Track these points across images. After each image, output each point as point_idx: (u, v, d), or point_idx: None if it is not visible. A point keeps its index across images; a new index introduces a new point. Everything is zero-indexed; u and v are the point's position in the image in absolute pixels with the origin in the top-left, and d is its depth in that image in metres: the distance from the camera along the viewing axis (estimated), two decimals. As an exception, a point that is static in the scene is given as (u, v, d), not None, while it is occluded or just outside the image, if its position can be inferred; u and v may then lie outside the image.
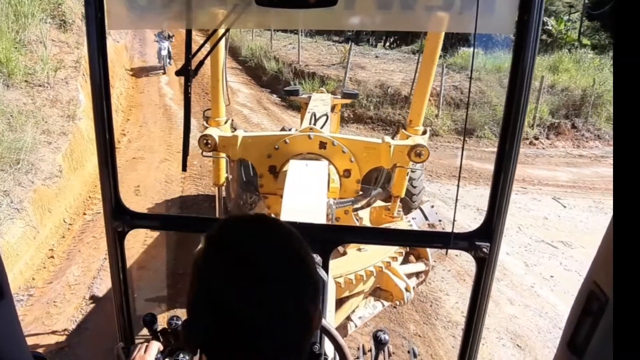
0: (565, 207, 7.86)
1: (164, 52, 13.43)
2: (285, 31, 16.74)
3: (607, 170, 10.02)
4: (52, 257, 5.23)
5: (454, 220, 1.53)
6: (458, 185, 7.56)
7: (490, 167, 1.32)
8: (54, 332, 4.07)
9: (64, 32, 8.94)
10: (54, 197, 5.75)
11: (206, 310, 0.64)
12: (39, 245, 5.20)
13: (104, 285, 4.66)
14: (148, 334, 1.46)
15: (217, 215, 4.03)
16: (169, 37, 13.66)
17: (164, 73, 13.53)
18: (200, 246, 0.69)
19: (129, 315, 1.53)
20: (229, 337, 0.64)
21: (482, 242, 1.37)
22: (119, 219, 1.44)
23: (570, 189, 8.82)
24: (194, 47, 1.52)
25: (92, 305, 4.44)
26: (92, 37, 1.27)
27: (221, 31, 1.89)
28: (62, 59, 8.11)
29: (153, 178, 7.35)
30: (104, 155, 1.37)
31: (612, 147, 10.54)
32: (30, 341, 3.89)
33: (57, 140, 6.44)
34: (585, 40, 18.42)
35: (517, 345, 4.34)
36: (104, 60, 1.31)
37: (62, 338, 4.02)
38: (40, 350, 3.79)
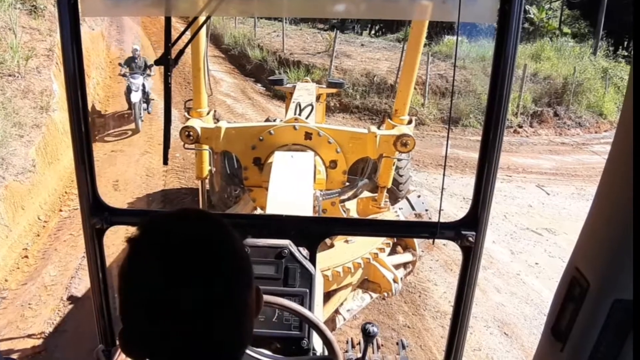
0: (548, 194, 8.07)
1: (136, 96, 8.37)
2: (269, 18, 16.51)
3: (588, 158, 10.31)
4: (26, 257, 5.07)
5: (440, 210, 1.55)
6: (444, 175, 7.66)
7: (476, 155, 1.36)
8: (29, 336, 3.97)
9: (35, 19, 8.62)
10: (27, 193, 5.57)
11: (141, 313, 0.64)
12: (12, 244, 5.04)
13: (82, 285, 4.56)
14: None
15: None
16: (146, 67, 8.83)
17: (137, 131, 8.62)
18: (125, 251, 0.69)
19: (109, 316, 1.50)
20: (166, 334, 0.64)
21: (468, 232, 1.39)
22: (97, 215, 1.40)
23: (553, 177, 9.04)
24: (174, 35, 1.48)
25: (70, 307, 4.34)
26: (65, 24, 1.23)
27: (202, 18, 1.84)
28: (34, 47, 7.83)
29: (133, 172, 7.21)
30: (80, 149, 1.33)
31: (592, 135, 10.92)
32: (3, 346, 3.79)
33: (30, 133, 6.24)
34: (565, 29, 18.78)
35: (505, 333, 4.46)
36: (78, 49, 1.26)
37: (39, 342, 3.91)
38: (14, 355, 3.71)
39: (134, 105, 8.42)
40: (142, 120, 8.79)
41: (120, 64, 8.97)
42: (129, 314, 0.67)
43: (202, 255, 0.65)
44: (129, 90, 8.56)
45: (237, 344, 0.70)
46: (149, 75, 8.98)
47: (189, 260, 0.64)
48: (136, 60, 8.85)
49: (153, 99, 9.38)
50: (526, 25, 17.31)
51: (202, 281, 0.63)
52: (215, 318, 0.64)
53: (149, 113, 9.29)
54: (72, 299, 4.45)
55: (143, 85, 8.73)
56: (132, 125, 8.79)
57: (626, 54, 15.99)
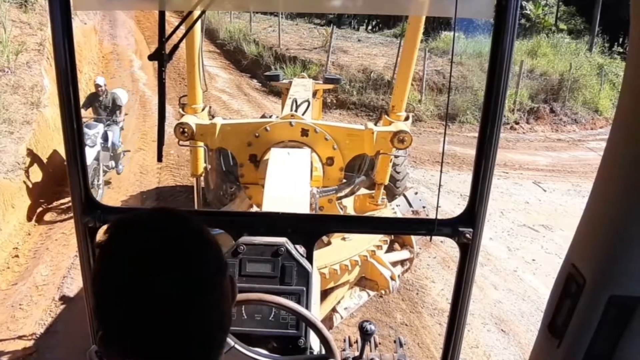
0: (545, 190, 8.12)
1: (91, 154, 5.74)
2: (265, 13, 16.41)
3: (584, 154, 10.39)
4: (17, 256, 5.03)
5: (437, 207, 1.55)
6: (441, 172, 7.68)
7: (473, 152, 1.37)
8: (20, 337, 3.93)
9: (25, 12, 8.53)
10: (17, 191, 5.52)
11: (119, 312, 0.65)
12: (2, 244, 5.00)
13: (75, 284, 4.52)
14: None
15: (195, 206, 3.97)
16: (115, 109, 6.49)
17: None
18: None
19: None
20: (146, 327, 0.64)
21: (465, 228, 1.40)
22: (90, 214, 1.39)
23: (549, 173, 9.11)
24: (168, 30, 1.47)
25: (62, 307, 4.30)
26: (57, 18, 1.21)
27: (197, 13, 1.83)
28: (24, 41, 7.75)
29: (126, 169, 7.15)
30: (71, 146, 1.32)
31: (588, 131, 11.00)
32: (-7, 348, 3.76)
33: (20, 130, 6.18)
34: (561, 25, 18.87)
35: (502, 330, 4.49)
36: (69, 43, 1.25)
37: (30, 343, 3.89)
38: (4, 357, 3.68)
39: (97, 169, 5.91)
40: (104, 184, 6.24)
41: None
42: (106, 315, 0.67)
43: (174, 244, 0.67)
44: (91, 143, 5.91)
45: (218, 329, 0.71)
46: (115, 122, 6.38)
47: (162, 250, 0.65)
48: (100, 99, 6.38)
49: (127, 151, 6.95)
50: (522, 21, 17.37)
51: (177, 268, 0.65)
52: (194, 302, 0.66)
53: (118, 173, 6.59)
54: (64, 299, 4.41)
55: (105, 136, 6.11)
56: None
57: (621, 50, 16.06)
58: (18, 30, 7.93)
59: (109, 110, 6.47)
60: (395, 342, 1.78)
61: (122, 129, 6.78)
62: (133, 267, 0.64)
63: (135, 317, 0.64)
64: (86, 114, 6.28)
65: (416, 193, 4.81)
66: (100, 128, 6.05)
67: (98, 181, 5.88)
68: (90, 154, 5.64)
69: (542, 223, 6.79)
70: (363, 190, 4.16)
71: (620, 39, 16.90)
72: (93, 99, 6.43)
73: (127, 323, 0.65)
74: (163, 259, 0.65)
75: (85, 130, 5.49)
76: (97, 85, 6.44)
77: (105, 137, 6.12)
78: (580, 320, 0.75)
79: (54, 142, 6.70)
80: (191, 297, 0.65)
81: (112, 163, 6.36)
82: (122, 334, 0.66)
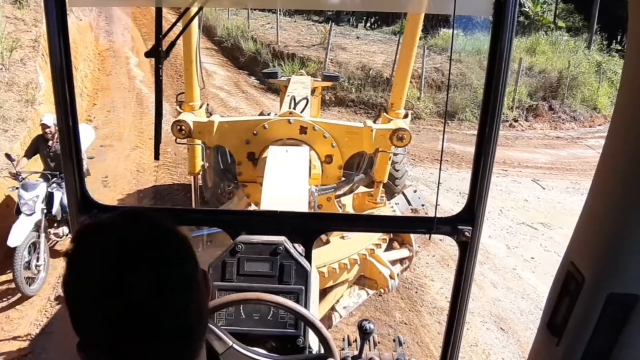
0: (544, 188, 8.14)
1: (24, 228, 4.32)
2: (263, 10, 16.36)
3: (582, 152, 10.43)
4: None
5: (436, 205, 1.55)
6: (440, 170, 7.68)
7: (472, 149, 1.38)
8: (15, 338, 3.92)
9: (19, 8, 8.48)
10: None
11: (95, 313, 0.65)
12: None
13: (71, 285, 4.51)
14: None
15: (193, 205, 3.97)
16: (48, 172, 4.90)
17: (25, 296, 4.36)
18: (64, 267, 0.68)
19: None
20: (123, 327, 0.64)
21: (465, 226, 1.40)
22: (86, 212, 1.39)
23: (548, 171, 9.14)
24: (165, 27, 1.46)
25: (58, 307, 4.27)
26: (52, 14, 1.20)
27: (194, 9, 1.82)
28: (18, 37, 7.70)
29: (123, 167, 7.14)
30: (67, 144, 1.31)
31: (587, 129, 11.04)
32: (-13, 349, 3.74)
33: (15, 128, 6.15)
34: (560, 23, 18.91)
35: (501, 328, 4.51)
36: (65, 40, 1.24)
37: (25, 344, 3.87)
38: None
39: (15, 254, 4.16)
40: (30, 288, 4.35)
41: (9, 157, 4.79)
42: (81, 321, 0.66)
43: (143, 243, 0.66)
44: (17, 211, 4.47)
45: (196, 323, 0.72)
46: (47, 187, 4.66)
47: (130, 250, 0.65)
48: (49, 145, 4.92)
49: None
50: (521, 18, 17.39)
51: (147, 266, 0.65)
52: (167, 299, 0.65)
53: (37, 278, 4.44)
54: (59, 299, 4.38)
55: (49, 199, 4.61)
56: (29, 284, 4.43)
57: (620, 48, 16.11)
58: (12, 27, 7.88)
59: (59, 159, 4.53)
60: (394, 341, 1.79)
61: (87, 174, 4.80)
62: (102, 270, 0.63)
63: (108, 320, 0.64)
64: (31, 164, 4.95)
65: (415, 191, 4.81)
66: (41, 189, 4.52)
67: (38, 261, 4.36)
68: (25, 225, 4.31)
69: (541, 221, 6.81)
70: (362, 189, 4.16)
71: (619, 37, 16.96)
72: (40, 145, 4.93)
73: (101, 327, 0.64)
74: (132, 259, 0.64)
75: (21, 192, 4.43)
76: (43, 126, 4.87)
77: (49, 201, 4.60)
78: (579, 318, 0.75)
79: (49, 140, 6.68)
80: (164, 294, 0.65)
81: (64, 230, 4.84)
82: (98, 339, 0.66)
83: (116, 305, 0.63)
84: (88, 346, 0.67)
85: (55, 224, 4.82)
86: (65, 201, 4.41)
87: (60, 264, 4.06)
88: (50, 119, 4.90)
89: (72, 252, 0.66)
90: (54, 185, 4.71)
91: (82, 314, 0.66)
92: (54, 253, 4.84)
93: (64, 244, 4.57)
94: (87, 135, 5.33)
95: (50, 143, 4.95)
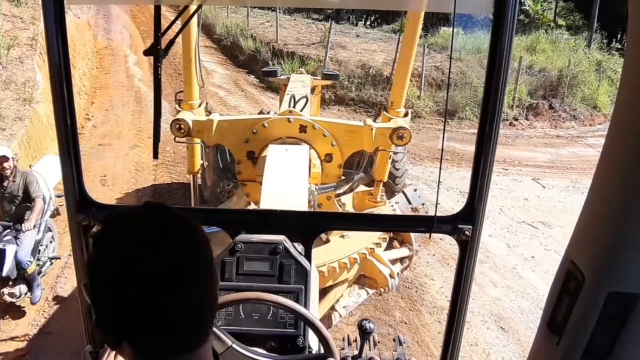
0: (544, 187, 8.15)
1: None
2: (262, 8, 16.34)
3: (582, 150, 10.45)
4: None
5: (436, 204, 1.55)
6: (440, 168, 7.68)
7: (472, 148, 1.39)
8: (12, 339, 3.90)
9: (17, 6, 8.46)
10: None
11: (113, 291, 0.69)
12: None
13: (69, 284, 4.48)
14: None
15: (192, 204, 3.96)
16: (25, 201, 4.21)
17: None
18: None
19: None
20: (139, 305, 0.69)
21: (465, 225, 1.41)
22: (84, 211, 1.38)
23: (548, 170, 9.15)
24: (164, 25, 1.45)
25: (55, 307, 4.26)
26: (49, 12, 1.20)
27: (193, 7, 1.81)
28: (16, 35, 7.68)
29: (121, 166, 7.13)
30: (65, 142, 1.31)
31: (587, 128, 11.05)
32: (-15, 350, 3.71)
33: (12, 126, 6.13)
34: (560, 21, 18.93)
35: (501, 327, 4.51)
36: (63, 38, 1.23)
37: (22, 344, 3.85)
38: None
39: None
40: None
41: None
42: (101, 296, 0.71)
43: (165, 228, 0.73)
44: None
45: (208, 307, 0.76)
46: (20, 229, 4.03)
47: (153, 233, 0.71)
48: (5, 185, 4.14)
49: (56, 258, 4.67)
50: (521, 17, 17.40)
51: (169, 247, 0.70)
52: (183, 277, 0.70)
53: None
54: (57, 299, 4.37)
55: (0, 255, 3.85)
56: None
57: (619, 46, 16.12)
58: (10, 25, 7.86)
59: (17, 203, 4.14)
60: (394, 340, 1.79)
61: (46, 234, 4.33)
62: (126, 248, 0.69)
63: (127, 294, 0.68)
64: None
65: (415, 190, 4.82)
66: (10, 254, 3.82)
67: None
68: None
69: (541, 220, 6.81)
70: (362, 187, 4.16)
71: (619, 35, 16.96)
72: None
73: (120, 300, 0.69)
74: (154, 240, 0.70)
75: None
76: (2, 157, 4.02)
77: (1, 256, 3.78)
78: (579, 317, 0.75)
79: (47, 138, 6.66)
80: (181, 272, 0.70)
81: (19, 289, 4.02)
82: (115, 313, 0.70)
83: (131, 282, 0.68)
84: (103, 321, 0.72)
85: (11, 283, 3.96)
86: (21, 256, 3.93)
87: (20, 330, 3.93)
88: (8, 151, 4.11)
89: (98, 235, 0.74)
90: (8, 238, 3.89)
91: (100, 289, 0.71)
92: (13, 313, 4.17)
93: (25, 302, 4.14)
94: (46, 176, 4.44)
95: (6, 183, 4.08)
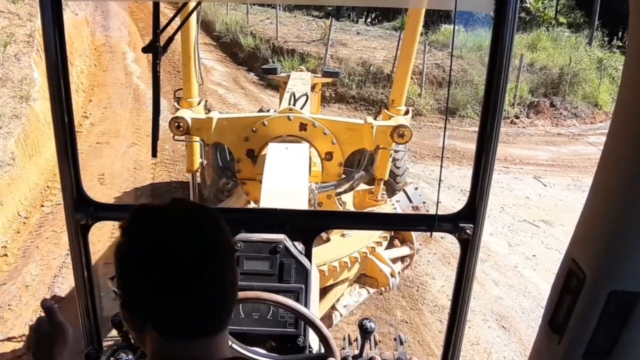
0: (545, 185, 8.16)
1: None
2: (262, 5, 16.32)
3: (583, 148, 10.46)
4: (6, 255, 4.93)
5: (437, 202, 1.56)
6: (441, 167, 7.68)
7: (473, 146, 1.39)
8: (9, 339, 3.87)
9: (14, 2, 8.43)
10: (6, 188, 5.43)
11: (140, 275, 0.75)
12: (-10, 242, 4.93)
13: (66, 284, 4.46)
14: (117, 336, 1.42)
15: (191, 202, 3.95)
16: None
17: None
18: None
19: (95, 317, 1.48)
20: (166, 289, 0.74)
21: (466, 224, 1.41)
22: (82, 210, 1.38)
23: (550, 168, 9.15)
24: (163, 22, 1.45)
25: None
26: (47, 9, 1.20)
27: (192, 4, 1.81)
28: (13, 32, 7.65)
29: (120, 165, 7.11)
30: (63, 141, 1.31)
31: (588, 126, 11.07)
32: (-19, 351, 3.70)
33: (9, 124, 6.10)
34: (561, 19, 18.93)
35: (503, 326, 4.52)
36: (60, 35, 1.23)
37: (19, 345, 3.81)
38: None
39: None
40: None
41: None
42: (128, 279, 0.77)
43: (192, 216, 0.80)
44: None
45: (230, 292, 0.81)
46: None
47: (181, 221, 0.78)
48: None
49: None
50: (522, 14, 17.39)
51: (195, 233, 0.76)
52: (208, 261, 0.75)
53: None
54: (55, 299, 4.32)
55: None
56: None
57: (621, 44, 16.11)
58: (6, 22, 7.83)
59: None
60: (395, 340, 1.79)
61: None
62: (157, 233, 0.75)
63: (157, 277, 0.73)
64: None
65: (416, 188, 4.81)
66: None
67: None
68: None
69: (543, 218, 6.82)
70: (362, 186, 4.16)
71: (620, 33, 16.94)
72: None
73: (150, 283, 0.74)
74: (183, 226, 0.76)
75: None
76: None
77: None
78: (580, 315, 0.75)
79: (44, 137, 6.65)
80: (207, 255, 0.75)
81: None
82: (144, 296, 0.75)
83: (159, 264, 0.73)
84: (130, 304, 0.77)
85: None
86: None
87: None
88: None
89: (129, 223, 0.79)
90: None
91: (128, 272, 0.77)
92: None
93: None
94: None
95: None
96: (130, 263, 0.76)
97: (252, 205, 3.37)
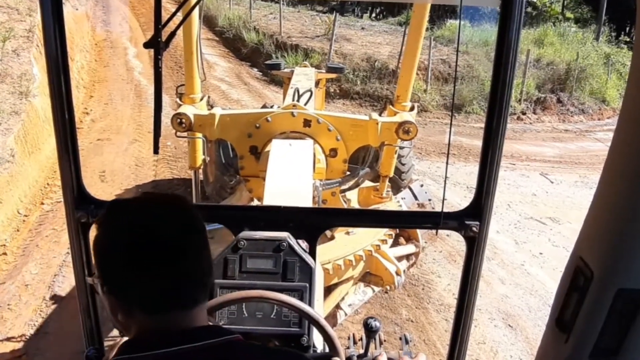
0: (552, 182, 8.13)
1: None
2: (265, 0, 16.30)
3: (591, 145, 10.41)
4: (5, 253, 4.91)
5: (443, 199, 1.55)
6: (447, 163, 7.66)
7: (479, 143, 1.39)
8: (8, 339, 3.85)
9: (13, -3, 8.44)
10: (5, 185, 5.41)
11: (124, 259, 0.82)
12: (-12, 241, 4.91)
13: (66, 283, 4.45)
14: (118, 335, 1.42)
15: (194, 200, 3.96)
16: None
17: None
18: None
19: (95, 315, 1.49)
20: (148, 270, 0.82)
21: (472, 221, 1.41)
22: (82, 208, 1.38)
23: (557, 164, 9.12)
24: (165, 16, 1.44)
25: (53, 307, 4.21)
26: (46, 3, 1.20)
27: (193, -2, 1.80)
28: (12, 27, 7.66)
29: (121, 162, 7.13)
30: (63, 137, 1.30)
31: (595, 122, 11.07)
32: (-20, 351, 3.69)
33: (8, 121, 6.11)
34: (568, 14, 18.82)
35: (509, 325, 4.51)
36: (60, 30, 1.23)
37: (19, 345, 3.80)
38: None
39: None
40: None
41: None
42: (111, 267, 0.84)
43: (169, 206, 0.88)
44: None
45: (207, 271, 0.91)
46: None
47: (158, 210, 0.86)
48: None
49: None
50: (529, 9, 17.30)
51: (174, 218, 0.85)
52: (189, 243, 0.85)
53: None
54: (55, 298, 4.32)
55: None
56: None
57: (628, 39, 15.99)
58: (5, 16, 7.83)
59: None
60: (401, 339, 1.78)
61: None
62: (135, 220, 0.83)
63: (139, 260, 0.81)
64: None
65: (422, 185, 4.79)
66: None
67: None
68: None
69: (550, 215, 6.79)
70: (367, 183, 4.14)
71: (627, 28, 16.81)
72: None
73: (132, 266, 0.81)
74: (160, 212, 0.85)
75: None
76: None
77: None
78: (588, 314, 0.75)
79: (44, 133, 6.66)
80: (186, 236, 0.84)
81: None
82: (127, 278, 0.82)
83: (141, 248, 0.81)
84: (113, 291, 0.84)
85: None
86: None
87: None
88: None
89: (107, 213, 0.86)
90: None
91: (111, 260, 0.83)
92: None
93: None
94: None
95: None
96: (114, 251, 0.82)
97: (255, 202, 3.37)
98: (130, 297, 0.83)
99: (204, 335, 0.84)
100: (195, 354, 0.81)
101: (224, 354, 0.84)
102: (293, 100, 3.36)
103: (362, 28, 15.04)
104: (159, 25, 1.38)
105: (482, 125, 1.36)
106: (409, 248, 3.93)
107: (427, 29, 3.66)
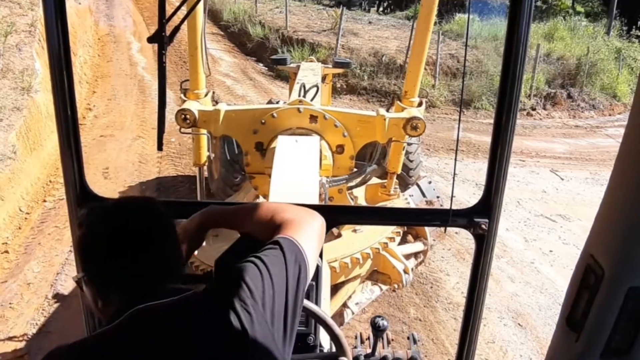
0: (562, 179, 8.08)
1: None
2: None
3: (602, 141, 10.33)
4: (7, 251, 4.93)
5: (452, 197, 1.54)
6: (455, 160, 7.62)
7: (488, 139, 1.39)
8: (10, 339, 3.87)
9: (15, -9, 8.48)
10: (7, 183, 5.44)
11: (99, 252, 0.98)
12: (-9, 238, 4.92)
13: (69, 281, 4.46)
14: None
15: (198, 198, 3.97)
16: None
17: None
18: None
19: None
20: (125, 254, 0.98)
21: (481, 219, 1.41)
22: (85, 205, 1.38)
23: (567, 161, 9.07)
24: (169, 11, 1.43)
25: (55, 305, 4.23)
26: None
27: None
28: (13, 22, 7.69)
29: (124, 159, 7.16)
30: (65, 134, 1.31)
31: (606, 118, 10.98)
32: (-19, 350, 3.69)
33: (10, 117, 6.14)
34: (579, 8, 18.63)
35: (519, 324, 4.49)
36: (63, 24, 1.23)
37: (21, 344, 3.82)
38: None
39: None
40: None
41: None
42: (89, 257, 1.00)
43: (142, 206, 1.06)
44: None
45: (177, 259, 1.07)
46: None
47: (132, 208, 1.05)
48: None
49: None
50: (539, 3, 17.13)
51: (144, 214, 1.03)
52: (157, 233, 1.02)
53: None
54: (57, 297, 4.33)
55: None
56: None
57: (639, 34, 15.78)
58: (7, 10, 7.86)
59: None
60: (408, 338, 1.78)
61: None
62: (111, 218, 1.00)
63: (117, 251, 0.96)
64: None
65: (430, 182, 4.77)
66: None
67: None
68: None
69: (560, 213, 6.75)
70: (375, 180, 4.13)
71: (639, 22, 16.59)
72: None
73: (110, 257, 0.96)
74: (132, 210, 1.04)
75: None
76: None
77: None
78: (598, 312, 0.75)
79: (46, 129, 6.68)
80: (154, 228, 1.01)
81: None
82: (106, 268, 0.97)
83: (124, 237, 0.97)
84: (89, 279, 0.99)
85: None
86: None
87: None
88: None
89: (85, 218, 1.02)
90: None
91: (89, 252, 0.99)
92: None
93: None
94: None
95: None
96: (94, 246, 0.98)
97: (261, 199, 3.37)
98: (108, 282, 0.97)
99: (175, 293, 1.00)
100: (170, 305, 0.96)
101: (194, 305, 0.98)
102: (299, 95, 3.35)
103: (370, 22, 14.97)
104: (163, 19, 1.37)
105: (491, 121, 1.36)
106: (417, 246, 3.92)
107: (435, 23, 3.63)
